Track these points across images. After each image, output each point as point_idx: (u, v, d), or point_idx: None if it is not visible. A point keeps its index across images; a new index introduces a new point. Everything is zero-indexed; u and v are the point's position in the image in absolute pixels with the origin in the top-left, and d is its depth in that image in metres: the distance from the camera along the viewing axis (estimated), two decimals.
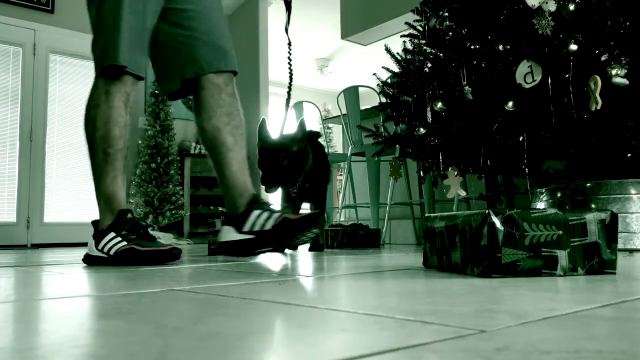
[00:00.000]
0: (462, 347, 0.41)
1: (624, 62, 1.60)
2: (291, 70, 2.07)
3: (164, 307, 0.66)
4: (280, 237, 1.56)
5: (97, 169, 1.61)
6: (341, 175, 6.89)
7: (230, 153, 1.69)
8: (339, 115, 3.90)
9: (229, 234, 1.63)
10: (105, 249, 1.55)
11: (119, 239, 1.54)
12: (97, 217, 1.66)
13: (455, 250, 1.07)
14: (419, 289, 0.81)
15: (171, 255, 1.50)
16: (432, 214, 1.23)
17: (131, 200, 5.17)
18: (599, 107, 1.59)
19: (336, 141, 8.89)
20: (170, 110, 5.43)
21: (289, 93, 2.06)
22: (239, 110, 1.76)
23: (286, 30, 2.09)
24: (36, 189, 4.95)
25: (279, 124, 2.09)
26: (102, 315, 0.62)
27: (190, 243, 5.14)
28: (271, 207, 1.64)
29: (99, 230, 1.60)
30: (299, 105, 3.94)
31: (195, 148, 5.84)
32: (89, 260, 1.60)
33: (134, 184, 5.21)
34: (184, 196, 5.50)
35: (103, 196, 1.60)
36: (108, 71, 1.60)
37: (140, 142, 5.40)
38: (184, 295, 0.79)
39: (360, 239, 2.82)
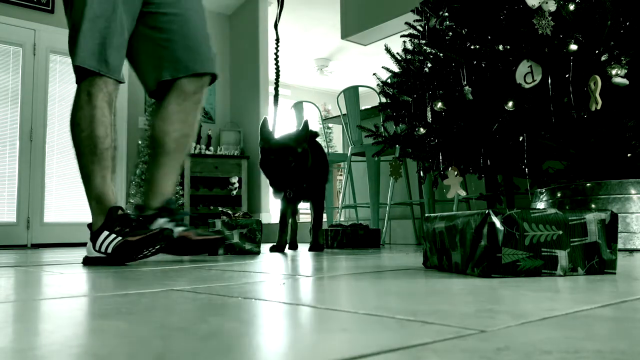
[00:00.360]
0: (462, 347, 0.41)
1: (624, 62, 1.60)
2: (278, 66, 2.13)
3: (164, 307, 0.66)
4: (177, 251, 1.70)
5: (85, 170, 1.63)
6: (341, 175, 6.89)
7: (165, 157, 1.77)
8: (339, 115, 3.90)
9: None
10: (102, 248, 1.57)
11: (114, 235, 1.56)
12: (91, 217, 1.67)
13: (455, 250, 1.07)
14: (419, 289, 0.81)
15: (163, 237, 1.52)
16: (432, 214, 1.23)
17: (131, 200, 5.17)
18: (599, 107, 1.59)
19: (336, 141, 8.88)
20: None
21: (276, 90, 2.10)
22: (196, 119, 1.81)
23: (275, 26, 2.14)
24: (36, 189, 4.95)
25: (276, 122, 2.12)
26: (102, 315, 0.62)
27: None
28: (178, 217, 1.74)
29: (93, 231, 1.62)
30: (299, 105, 3.94)
31: (195, 148, 5.84)
32: (89, 262, 1.61)
33: (134, 184, 5.21)
34: (184, 196, 5.50)
35: (94, 197, 1.63)
36: (81, 73, 1.62)
37: (140, 142, 5.40)
38: (184, 295, 0.79)
39: (360, 239, 2.82)
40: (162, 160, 1.77)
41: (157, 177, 1.77)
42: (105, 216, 1.60)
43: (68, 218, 5.07)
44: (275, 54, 2.19)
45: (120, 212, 1.61)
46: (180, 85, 1.76)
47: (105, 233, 1.57)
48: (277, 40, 2.16)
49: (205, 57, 1.79)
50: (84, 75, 1.63)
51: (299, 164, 1.99)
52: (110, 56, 1.63)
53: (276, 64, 2.19)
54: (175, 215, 1.73)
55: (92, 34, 1.60)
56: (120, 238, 1.54)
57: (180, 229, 1.70)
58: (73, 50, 1.62)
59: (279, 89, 2.19)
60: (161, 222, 1.70)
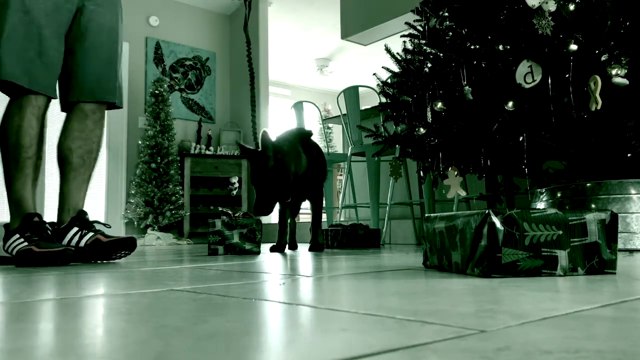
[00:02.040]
0: (462, 347, 0.41)
1: (624, 62, 1.60)
2: (251, 68, 2.29)
3: (164, 307, 0.66)
4: (90, 255, 1.77)
5: (7, 175, 1.77)
6: (341, 175, 6.89)
7: (73, 172, 1.90)
8: (339, 115, 3.90)
9: None
10: (9, 249, 1.67)
11: (22, 240, 1.66)
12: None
13: (455, 250, 1.07)
14: (419, 289, 0.81)
15: (64, 256, 1.59)
16: (432, 214, 1.23)
17: (131, 200, 5.17)
18: (599, 107, 1.59)
19: (336, 141, 8.88)
20: (170, 110, 5.43)
21: (252, 91, 2.27)
22: (98, 137, 1.97)
23: (244, 28, 2.32)
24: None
25: (256, 123, 2.17)
26: (102, 315, 0.62)
27: (190, 243, 5.14)
28: (91, 226, 1.84)
29: (8, 231, 1.73)
30: (299, 105, 3.94)
31: (195, 148, 5.84)
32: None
33: (134, 184, 5.20)
34: (184, 196, 5.50)
35: (13, 200, 1.76)
36: (11, 87, 1.75)
37: (140, 142, 5.40)
38: (184, 295, 0.79)
39: (360, 239, 2.82)
40: (69, 175, 1.90)
41: (67, 192, 1.90)
42: (21, 220, 1.71)
43: None
44: (248, 56, 2.31)
45: (36, 219, 1.72)
46: (81, 107, 1.92)
47: (16, 236, 1.68)
48: (248, 42, 2.29)
49: (105, 87, 1.94)
50: (14, 89, 1.76)
51: (272, 178, 1.97)
52: (39, 74, 1.76)
53: (249, 66, 2.29)
54: (85, 223, 1.85)
55: (16, 51, 1.73)
56: (26, 244, 1.64)
57: (89, 235, 1.81)
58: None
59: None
60: (72, 232, 1.82)
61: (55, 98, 1.86)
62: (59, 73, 1.86)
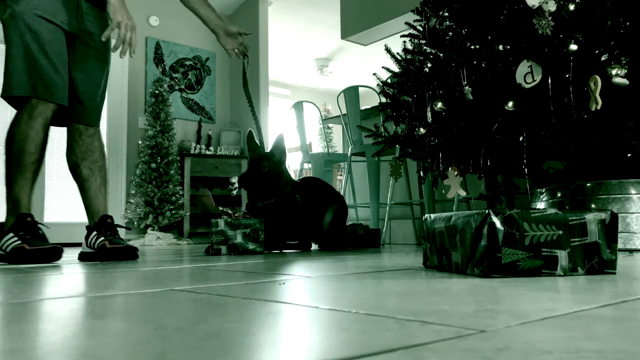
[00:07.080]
0: (462, 347, 0.41)
1: (624, 62, 1.60)
2: (257, 121, 2.45)
3: (164, 307, 0.66)
4: (99, 257, 1.90)
5: (9, 177, 1.87)
6: (341, 175, 6.89)
7: (86, 183, 2.06)
8: (339, 115, 3.90)
9: (83, 245, 2.02)
10: (3, 247, 1.75)
11: (15, 238, 1.74)
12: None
13: (455, 250, 1.07)
14: (419, 289, 0.81)
15: (53, 253, 1.71)
16: (432, 214, 1.23)
17: (131, 200, 5.17)
18: (599, 107, 1.59)
19: (336, 141, 8.88)
20: (170, 110, 5.43)
21: (260, 140, 2.43)
22: (98, 148, 2.10)
23: (244, 86, 2.44)
24: (36, 189, 4.95)
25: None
26: (102, 315, 0.62)
27: (190, 243, 5.13)
28: (106, 231, 1.96)
29: (3, 230, 1.80)
30: (299, 105, 3.94)
31: (195, 148, 5.84)
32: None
33: (134, 184, 5.20)
34: (184, 196, 5.49)
35: (11, 200, 1.86)
36: (21, 99, 1.86)
37: (140, 142, 5.39)
38: (184, 295, 0.79)
39: (360, 239, 2.82)
40: (84, 186, 2.06)
41: (86, 201, 2.07)
42: (15, 220, 1.80)
43: (68, 218, 5.07)
44: (252, 111, 2.43)
45: (29, 219, 1.82)
46: (75, 127, 2.08)
47: (10, 235, 1.76)
48: (249, 99, 2.43)
49: (95, 112, 2.09)
50: (24, 101, 1.86)
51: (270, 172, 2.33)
52: (57, 86, 1.90)
53: (254, 118, 2.43)
54: (104, 228, 1.98)
55: (34, 67, 1.85)
56: (19, 242, 1.73)
57: (100, 239, 1.92)
58: (9, 82, 1.85)
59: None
60: (92, 236, 1.96)
61: (66, 105, 1.97)
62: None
